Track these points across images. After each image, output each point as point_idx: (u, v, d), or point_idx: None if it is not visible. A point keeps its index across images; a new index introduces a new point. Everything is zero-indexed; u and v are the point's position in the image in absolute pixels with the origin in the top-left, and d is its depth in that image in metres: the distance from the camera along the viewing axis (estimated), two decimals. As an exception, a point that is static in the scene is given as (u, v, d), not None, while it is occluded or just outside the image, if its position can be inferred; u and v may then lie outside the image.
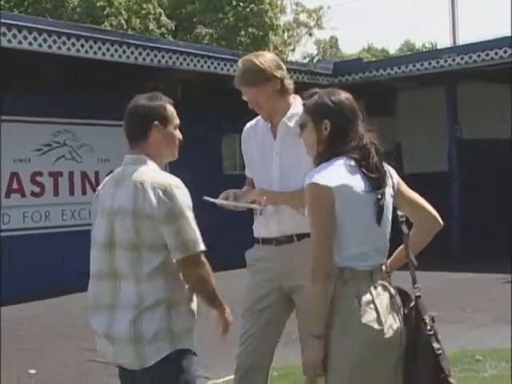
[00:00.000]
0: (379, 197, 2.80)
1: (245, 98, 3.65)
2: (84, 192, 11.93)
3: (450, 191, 14.35)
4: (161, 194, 2.84)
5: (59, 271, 11.28)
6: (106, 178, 3.11)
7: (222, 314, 3.07)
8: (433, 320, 2.87)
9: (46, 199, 11.42)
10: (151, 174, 2.92)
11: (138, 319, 2.85)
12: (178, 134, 3.09)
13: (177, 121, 3.08)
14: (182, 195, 2.88)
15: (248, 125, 3.87)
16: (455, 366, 5.74)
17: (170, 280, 2.88)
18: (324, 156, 2.84)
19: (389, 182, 2.88)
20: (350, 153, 2.81)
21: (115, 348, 2.94)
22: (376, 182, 2.81)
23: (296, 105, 3.57)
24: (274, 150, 3.64)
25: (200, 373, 3.12)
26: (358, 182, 2.78)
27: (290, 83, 3.64)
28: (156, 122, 2.98)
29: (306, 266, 3.34)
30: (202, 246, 2.91)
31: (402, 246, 3.02)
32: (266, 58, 3.60)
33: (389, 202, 2.86)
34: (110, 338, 2.94)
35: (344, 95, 2.92)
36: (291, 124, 3.53)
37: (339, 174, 2.76)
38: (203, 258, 2.92)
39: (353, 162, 2.81)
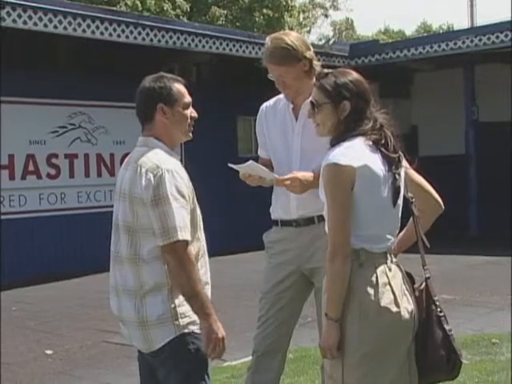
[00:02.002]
0: (396, 177, 2.78)
1: (271, 76, 3.58)
2: (99, 174, 11.95)
3: (466, 174, 14.28)
4: (151, 177, 2.79)
5: (74, 253, 11.33)
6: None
7: (206, 324, 2.79)
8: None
9: (61, 181, 11.44)
10: (151, 156, 2.86)
11: (141, 303, 2.84)
12: (190, 113, 3.00)
13: (186, 99, 2.98)
14: (172, 180, 2.79)
15: (265, 104, 3.81)
16: (472, 348, 5.73)
17: None
18: (342, 138, 2.80)
19: (403, 163, 2.86)
20: (369, 133, 2.78)
21: (129, 331, 2.96)
22: (394, 163, 2.79)
23: None
24: (296, 131, 3.59)
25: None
26: (377, 162, 2.75)
27: (317, 65, 3.56)
28: (160, 104, 2.92)
29: (326, 249, 3.32)
30: (181, 235, 2.75)
31: (407, 227, 2.99)
32: (296, 38, 3.55)
33: (402, 183, 2.84)
34: (122, 321, 2.97)
35: (358, 76, 2.88)
36: None
37: (360, 153, 2.73)
38: (182, 249, 2.76)
39: (371, 142, 2.78)
